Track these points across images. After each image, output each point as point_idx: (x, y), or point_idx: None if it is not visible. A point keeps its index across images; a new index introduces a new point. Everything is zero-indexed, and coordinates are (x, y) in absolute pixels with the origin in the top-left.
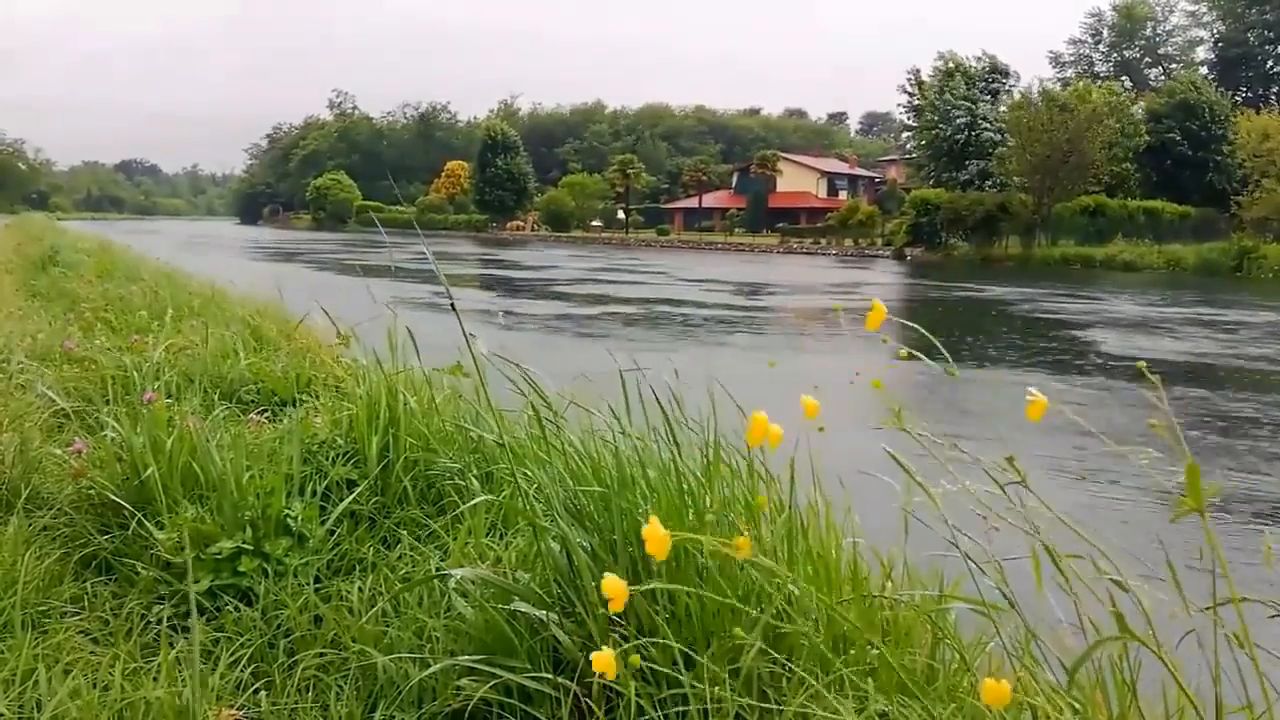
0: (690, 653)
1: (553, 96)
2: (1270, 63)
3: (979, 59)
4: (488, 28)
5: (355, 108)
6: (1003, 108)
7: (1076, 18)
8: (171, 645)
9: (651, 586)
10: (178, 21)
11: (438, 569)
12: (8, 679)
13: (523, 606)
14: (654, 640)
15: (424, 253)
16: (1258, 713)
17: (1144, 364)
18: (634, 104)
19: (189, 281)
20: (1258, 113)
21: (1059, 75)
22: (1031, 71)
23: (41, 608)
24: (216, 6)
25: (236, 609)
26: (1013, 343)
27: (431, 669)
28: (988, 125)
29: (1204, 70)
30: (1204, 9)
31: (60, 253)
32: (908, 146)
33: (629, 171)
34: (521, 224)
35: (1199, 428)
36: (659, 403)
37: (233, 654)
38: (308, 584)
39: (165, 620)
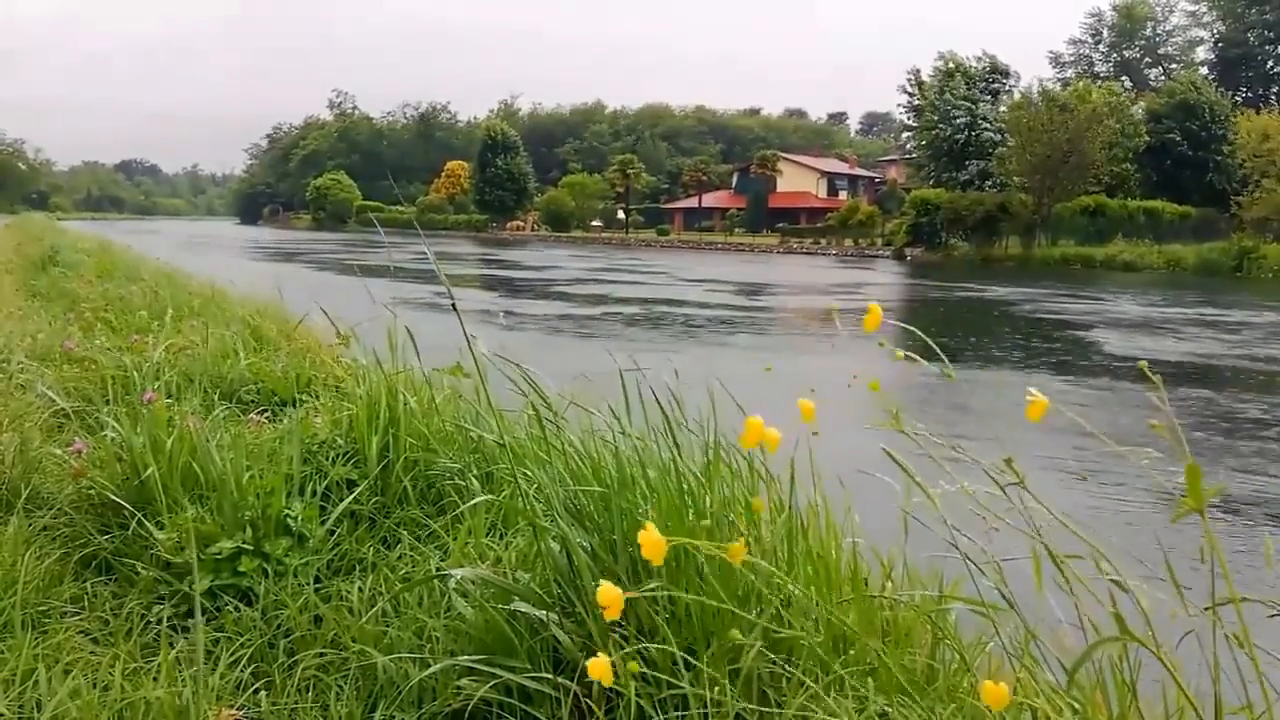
0: (689, 659)
1: (553, 96)
2: (1270, 63)
3: (979, 59)
4: (488, 28)
5: (355, 108)
6: (1003, 108)
7: (1076, 18)
8: (171, 645)
9: (651, 591)
10: (178, 21)
11: (438, 569)
12: (8, 679)
13: (523, 606)
14: (652, 646)
15: (424, 253)
16: (1257, 713)
17: (1145, 364)
18: (634, 104)
19: (189, 281)
20: (1258, 113)
21: (1059, 75)
22: (1031, 71)
23: (41, 608)
24: (216, 6)
25: (236, 609)
26: (1016, 343)
27: (431, 669)
28: (988, 125)
29: (1204, 70)
30: (1204, 9)
31: (60, 253)
32: (908, 146)
33: (629, 171)
34: (521, 224)
35: (1204, 429)
36: (659, 403)
37: (233, 654)
38: (308, 584)
39: (165, 620)
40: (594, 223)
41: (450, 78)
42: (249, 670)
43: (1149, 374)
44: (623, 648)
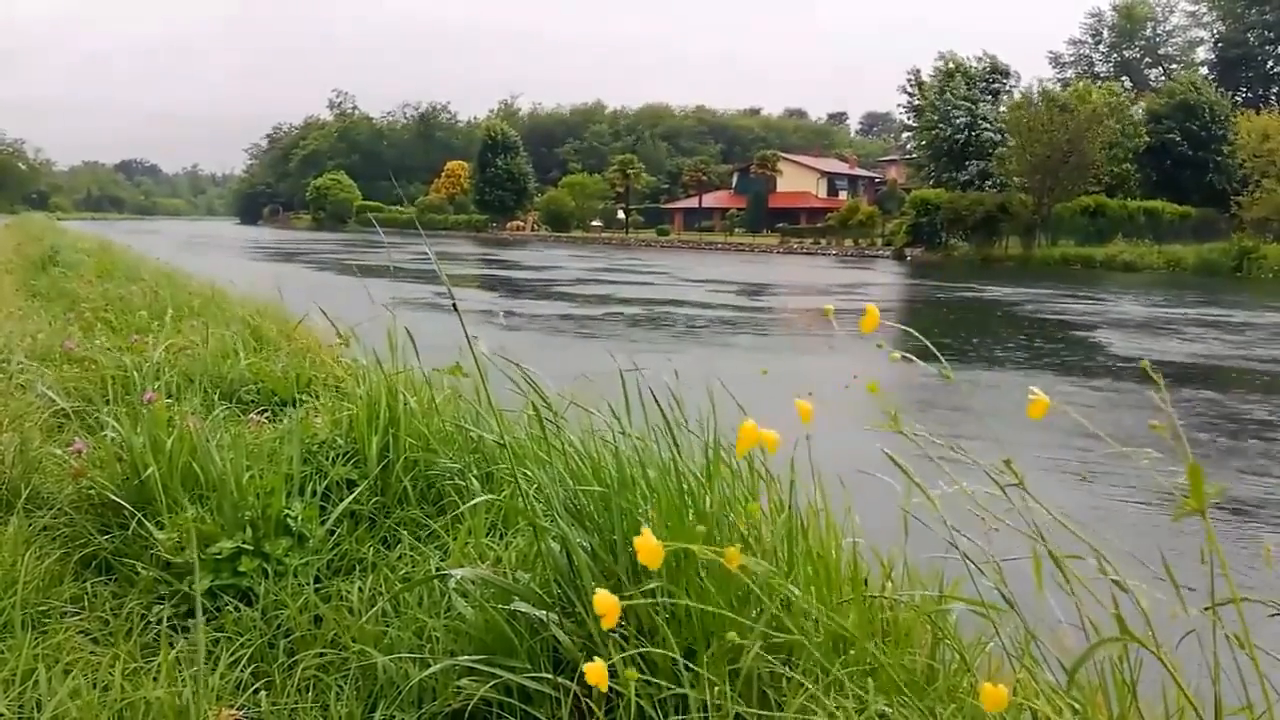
0: (688, 664)
1: (553, 96)
2: (1270, 63)
3: (979, 59)
4: (488, 28)
5: (355, 108)
6: (1003, 108)
7: (1076, 18)
8: (171, 645)
9: (649, 601)
10: (178, 21)
11: (438, 569)
12: (8, 679)
13: (523, 606)
14: (654, 651)
15: (424, 253)
16: (1258, 713)
17: (1147, 364)
18: (634, 104)
19: (189, 281)
20: (1258, 113)
21: (1059, 75)
22: (1032, 72)
23: (41, 608)
24: (216, 6)
25: (236, 609)
26: (1019, 344)
27: (431, 669)
28: (988, 125)
29: (1204, 70)
30: (1204, 9)
31: (60, 253)
32: (908, 147)
33: (629, 171)
34: (521, 224)
35: (1209, 430)
36: (658, 404)
37: (233, 654)
38: (308, 584)
39: (165, 620)
40: (594, 223)
41: (450, 78)
42: (249, 670)
43: (1151, 374)
44: (623, 648)
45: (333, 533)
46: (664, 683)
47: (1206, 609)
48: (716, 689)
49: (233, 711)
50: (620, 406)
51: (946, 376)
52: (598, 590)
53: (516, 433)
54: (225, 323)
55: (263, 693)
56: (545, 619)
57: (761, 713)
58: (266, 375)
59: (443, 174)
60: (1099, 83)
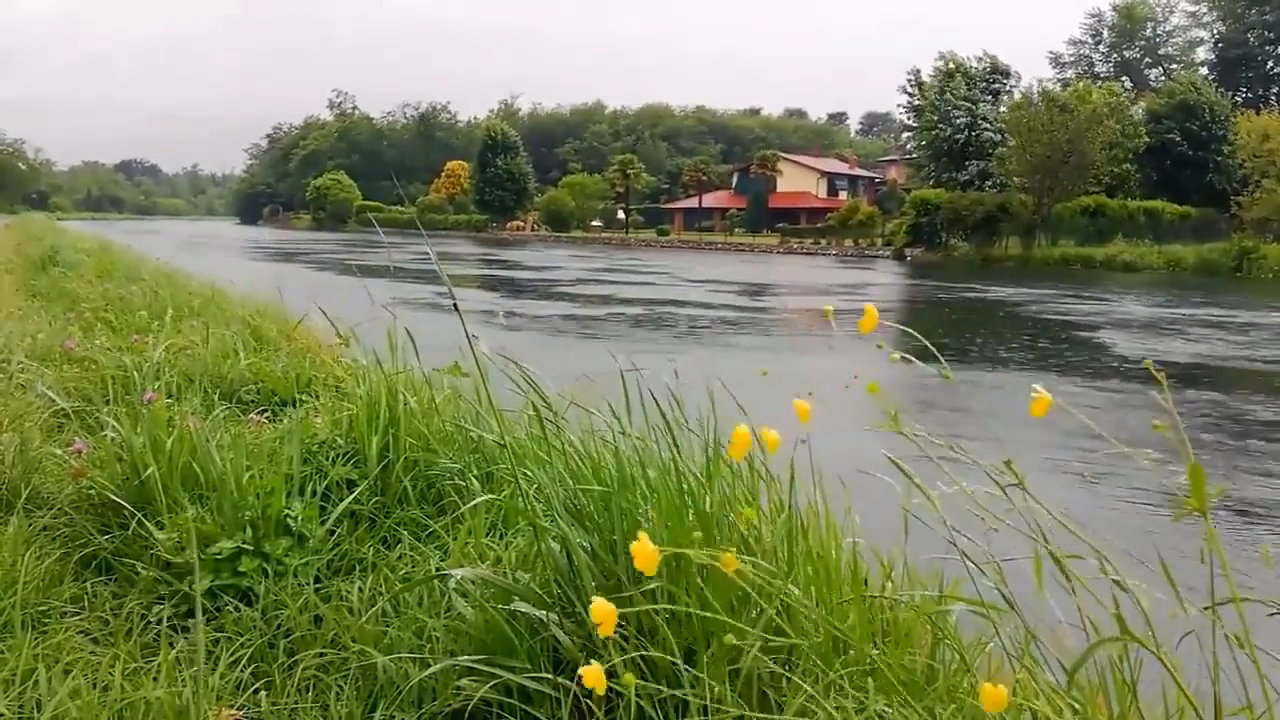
0: (688, 668)
1: (553, 96)
2: (1270, 63)
3: (979, 59)
4: (488, 28)
5: (355, 108)
6: (1003, 108)
7: (1076, 18)
8: (171, 645)
9: (646, 607)
10: (178, 21)
11: (438, 569)
12: (8, 679)
13: (523, 606)
14: (653, 653)
15: (424, 253)
16: (1258, 713)
17: (1150, 363)
18: (634, 104)
19: (189, 281)
20: (1258, 113)
21: (1059, 76)
22: (1032, 72)
23: (41, 608)
24: (216, 6)
25: (236, 609)
26: (1022, 344)
27: (431, 669)
28: (988, 125)
29: (1204, 71)
30: (1204, 9)
31: (60, 253)
32: (908, 147)
33: (629, 171)
34: (521, 224)
35: (1214, 431)
36: (658, 404)
37: (233, 654)
38: (308, 584)
39: (165, 620)
40: (594, 223)
41: (450, 78)
42: (249, 670)
43: (1155, 374)
44: (623, 649)
45: (333, 533)
46: (663, 685)
47: (1206, 609)
48: (716, 689)
49: (233, 711)
50: (621, 407)
51: (946, 377)
52: (594, 599)
53: (516, 433)
54: (225, 323)
55: (263, 693)
56: (545, 619)
57: (762, 716)
58: (266, 375)
59: (443, 174)
60: (1099, 83)
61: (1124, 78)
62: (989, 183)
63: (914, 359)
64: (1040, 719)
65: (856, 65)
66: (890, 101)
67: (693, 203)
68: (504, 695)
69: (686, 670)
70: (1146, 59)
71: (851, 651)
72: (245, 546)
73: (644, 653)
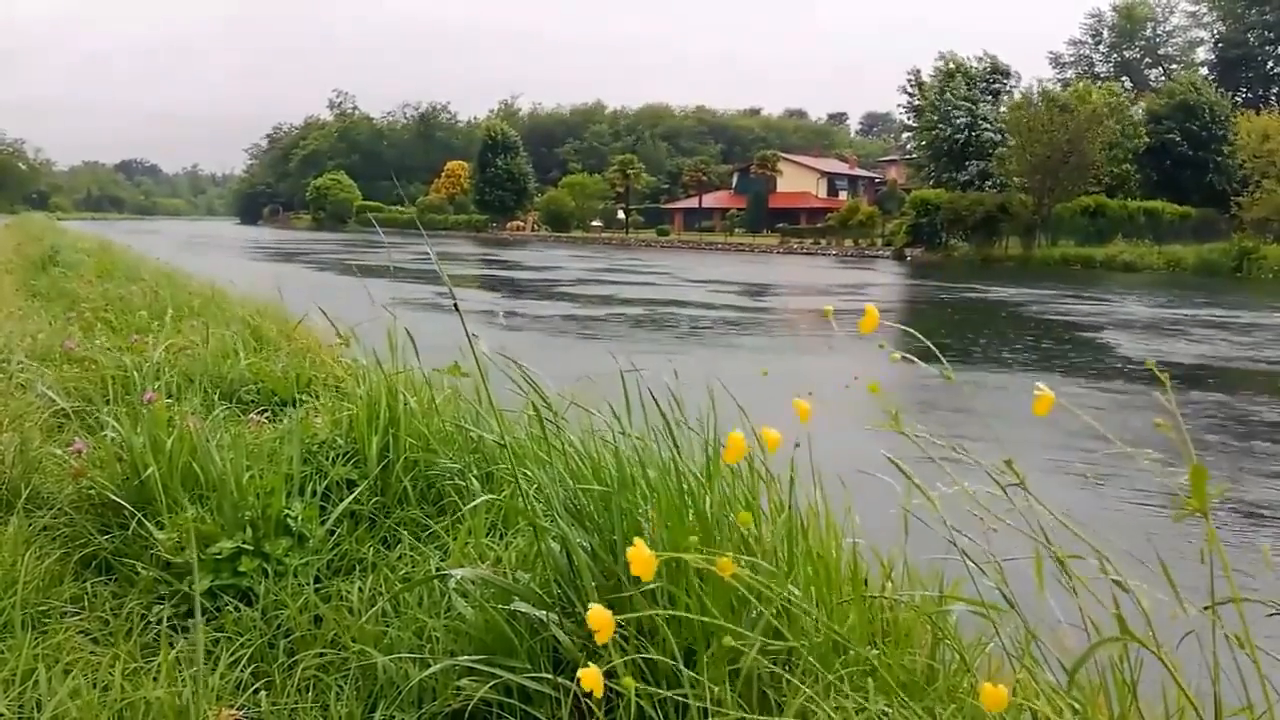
0: (688, 671)
1: (553, 96)
2: (1270, 63)
3: (980, 59)
4: (488, 28)
5: (355, 108)
6: (1003, 108)
7: (1076, 18)
8: (171, 645)
9: (644, 613)
10: (178, 21)
11: (438, 569)
12: (8, 679)
13: (523, 606)
14: (651, 654)
15: (424, 253)
16: (1258, 713)
17: (1153, 363)
18: (634, 104)
19: (189, 281)
20: (1258, 113)
21: (1059, 76)
22: (1032, 72)
23: (41, 608)
24: (216, 6)
25: (236, 609)
26: (1025, 345)
27: (431, 669)
28: (988, 125)
29: (1204, 71)
30: (1204, 9)
31: (60, 253)
32: (908, 147)
33: (629, 172)
34: (521, 224)
35: (1218, 432)
36: (658, 404)
37: (233, 654)
38: (308, 584)
39: (165, 620)
40: (594, 223)
41: (450, 78)
42: (249, 670)
43: (1158, 374)
44: (623, 649)
45: (333, 533)
46: (663, 685)
47: (1206, 609)
48: (717, 689)
49: (233, 711)
50: (621, 407)
51: (948, 377)
52: (592, 605)
53: (516, 433)
54: (225, 323)
55: (263, 693)
56: (545, 619)
57: (762, 711)
58: (266, 375)
59: (443, 174)
60: (1099, 83)
61: (1124, 78)
62: (989, 183)
63: (916, 359)
64: (1040, 719)
65: (856, 65)
66: (890, 101)
67: (693, 203)
68: (504, 695)
69: (687, 672)
70: (1146, 59)
71: (852, 652)
72: (245, 546)
73: (644, 655)
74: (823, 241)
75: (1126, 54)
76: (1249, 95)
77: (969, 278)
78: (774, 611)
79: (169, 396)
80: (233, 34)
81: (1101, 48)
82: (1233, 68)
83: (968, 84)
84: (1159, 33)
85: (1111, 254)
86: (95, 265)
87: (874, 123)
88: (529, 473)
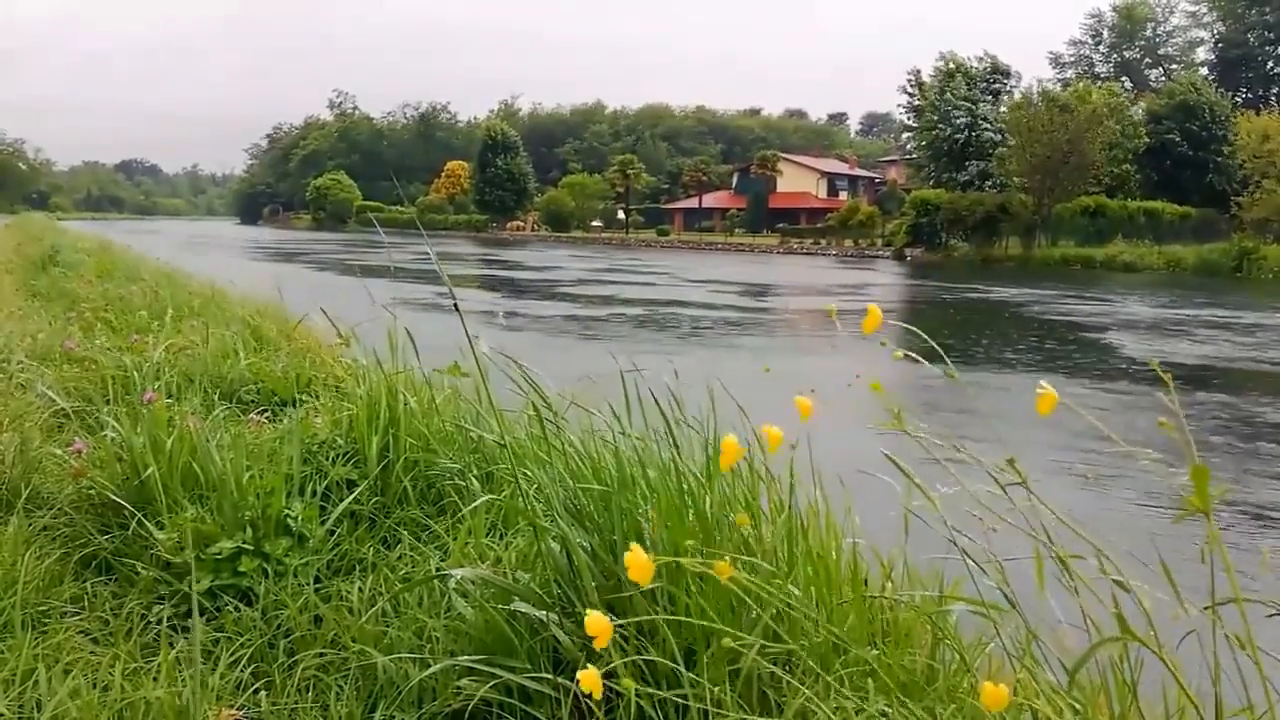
0: (688, 673)
1: (553, 96)
2: (1270, 63)
3: (980, 59)
4: (488, 28)
5: (355, 108)
6: (1003, 108)
7: (1077, 18)
8: (171, 645)
9: (642, 618)
10: (178, 21)
11: (438, 569)
12: (8, 679)
13: (523, 606)
14: (651, 655)
15: (425, 253)
16: (1259, 713)
17: (1156, 363)
18: (634, 104)
19: (189, 281)
20: (1258, 114)
21: (1059, 76)
22: (1032, 72)
23: (41, 608)
24: (216, 6)
25: (236, 609)
26: (1029, 346)
27: (431, 669)
28: (988, 126)
29: (1204, 71)
30: (1204, 9)
31: (60, 253)
32: (908, 147)
33: (629, 172)
34: (521, 224)
35: (1223, 433)
36: (659, 404)
37: (233, 654)
38: (308, 584)
39: (165, 620)
40: (594, 223)
41: (450, 78)
42: (249, 670)
43: (1160, 374)
44: (623, 649)
45: (333, 533)
46: (663, 685)
47: (1206, 609)
48: (716, 690)
49: (233, 711)
50: (621, 407)
51: (950, 375)
52: (589, 612)
53: (516, 433)
54: (225, 323)
55: (263, 693)
56: (545, 619)
57: (762, 711)
58: (266, 375)
59: (443, 174)
60: (1099, 83)
61: (1124, 78)
62: (989, 183)
63: (919, 358)
64: (1041, 719)
65: (856, 65)
66: (890, 102)
67: (693, 203)
68: (504, 695)
69: (686, 673)
70: (1146, 59)
71: (852, 651)
72: (245, 546)
73: (644, 656)
74: (823, 242)
75: (1126, 54)
76: (1249, 95)
77: (969, 278)
78: (773, 613)
79: (169, 396)
80: (233, 34)
81: (1101, 48)
82: (1233, 68)
83: (968, 84)
84: (1159, 33)
85: (1111, 254)
86: (95, 265)
87: (874, 123)
88: (529, 473)
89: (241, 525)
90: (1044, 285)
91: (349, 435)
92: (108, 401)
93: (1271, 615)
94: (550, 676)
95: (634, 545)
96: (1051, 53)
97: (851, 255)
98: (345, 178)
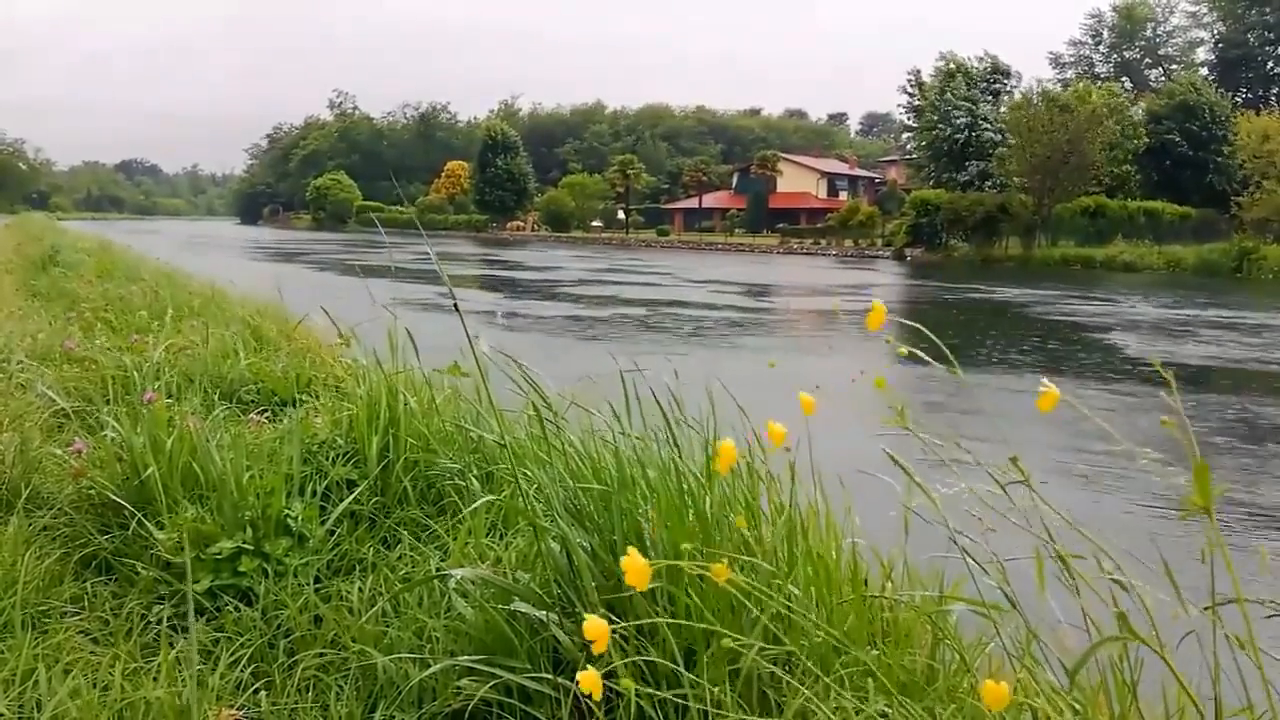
0: (687, 673)
1: (553, 96)
2: (1270, 64)
3: (980, 59)
4: (488, 28)
5: (355, 108)
6: (1003, 108)
7: (1077, 18)
8: (171, 645)
9: (642, 621)
10: (178, 21)
11: (438, 569)
12: (8, 679)
13: (523, 606)
14: (651, 656)
15: (425, 253)
16: (1259, 713)
17: (1159, 363)
18: (634, 104)
19: (189, 281)
20: (1258, 114)
21: (1059, 76)
22: (1032, 72)
23: (41, 608)
24: (216, 6)
25: (236, 609)
26: (1033, 346)
27: (431, 669)
28: (988, 126)
29: (1204, 71)
30: (1204, 9)
31: (60, 253)
32: (908, 147)
33: (629, 172)
34: (521, 224)
35: (1228, 434)
36: (659, 404)
37: (233, 654)
38: (308, 584)
39: (165, 620)
40: (594, 223)
41: (450, 78)
42: (249, 670)
43: (1163, 373)
44: (623, 649)
45: (333, 533)
46: (663, 686)
47: (1206, 609)
48: (716, 690)
49: (233, 711)
50: (622, 407)
51: (954, 372)
52: (587, 616)
53: (517, 433)
54: (225, 323)
55: (263, 693)
56: (545, 619)
57: (762, 711)
58: (266, 375)
59: (443, 174)
60: (1099, 83)
61: (1124, 78)
62: (989, 183)
63: (922, 354)
64: (1041, 718)
65: (856, 65)
66: (890, 102)
67: (693, 203)
68: (504, 695)
69: (686, 674)
70: (1146, 59)
71: (851, 652)
72: (245, 546)
73: (644, 656)
74: (823, 242)
75: (1126, 54)
76: (1249, 95)
77: (970, 278)
78: (772, 614)
79: (169, 396)
80: (233, 34)
81: (1101, 48)
82: (1233, 68)
83: (968, 84)
84: (1159, 33)
85: (1111, 254)
86: (95, 265)
87: (874, 123)
88: (529, 473)
89: (241, 525)
90: (1045, 285)
91: (349, 435)
92: (108, 401)
93: (1271, 616)
94: (550, 677)
95: (631, 550)
96: (1051, 53)
97: (851, 255)
98: (345, 178)
